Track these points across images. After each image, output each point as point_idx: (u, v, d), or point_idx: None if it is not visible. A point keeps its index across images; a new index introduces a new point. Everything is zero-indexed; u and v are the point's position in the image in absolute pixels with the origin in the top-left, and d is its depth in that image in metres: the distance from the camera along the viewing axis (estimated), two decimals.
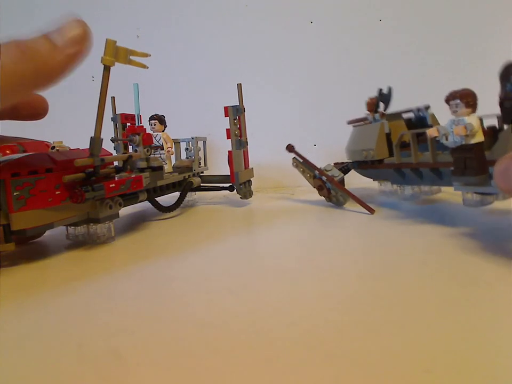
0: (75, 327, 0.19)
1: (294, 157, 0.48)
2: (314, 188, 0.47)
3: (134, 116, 0.46)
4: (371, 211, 0.40)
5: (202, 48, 0.69)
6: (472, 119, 0.28)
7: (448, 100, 0.29)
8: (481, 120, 0.33)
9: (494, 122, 0.32)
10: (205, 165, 0.57)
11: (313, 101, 0.68)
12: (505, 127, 0.29)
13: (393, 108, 0.44)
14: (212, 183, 0.54)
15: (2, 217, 0.27)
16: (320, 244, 0.32)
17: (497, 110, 0.29)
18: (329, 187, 0.45)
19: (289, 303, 0.20)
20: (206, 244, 0.33)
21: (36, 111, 0.34)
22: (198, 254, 0.31)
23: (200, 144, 0.55)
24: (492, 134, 0.31)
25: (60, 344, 0.17)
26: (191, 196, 0.55)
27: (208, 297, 0.22)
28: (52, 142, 0.38)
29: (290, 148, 0.48)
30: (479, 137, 0.28)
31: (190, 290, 0.23)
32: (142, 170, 0.42)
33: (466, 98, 0.28)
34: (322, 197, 0.46)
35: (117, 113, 0.47)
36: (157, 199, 0.44)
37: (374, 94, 0.45)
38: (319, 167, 0.46)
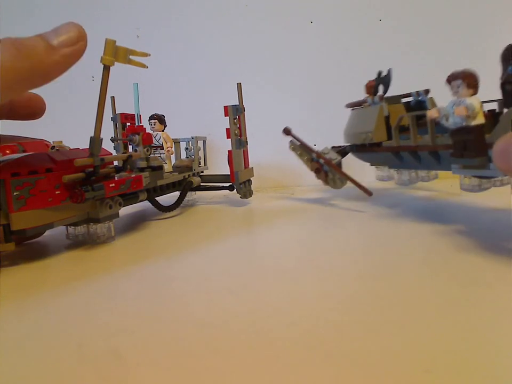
0: (75, 327, 0.19)
1: (291, 140, 0.48)
2: (312, 171, 0.47)
3: (134, 116, 0.46)
4: (369, 193, 0.39)
5: (202, 48, 0.69)
6: (473, 100, 0.28)
7: (449, 80, 0.29)
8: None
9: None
10: (205, 164, 0.57)
11: (313, 100, 0.68)
12: (505, 110, 0.28)
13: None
14: (212, 182, 0.54)
15: (2, 217, 0.27)
16: (320, 244, 0.32)
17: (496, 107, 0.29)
18: (327, 170, 0.45)
19: (289, 303, 0.20)
20: (206, 243, 0.33)
21: (33, 110, 0.34)
22: (198, 253, 0.31)
23: (200, 143, 0.55)
24: (492, 117, 0.30)
25: (60, 344, 0.17)
26: (191, 196, 0.55)
27: (208, 297, 0.22)
28: (51, 142, 0.38)
29: (287, 131, 0.47)
30: (480, 119, 0.28)
31: (190, 290, 0.23)
32: (142, 170, 0.42)
33: (468, 79, 0.28)
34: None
35: (116, 113, 0.47)
36: (157, 198, 0.44)
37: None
38: (316, 150, 0.46)
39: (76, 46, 0.26)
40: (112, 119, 0.47)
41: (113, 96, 0.48)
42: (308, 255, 0.29)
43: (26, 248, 0.35)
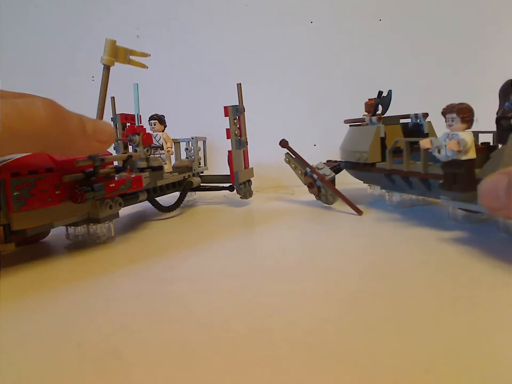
0: (75, 327, 0.19)
1: (287, 153, 0.48)
2: (305, 184, 0.47)
3: (134, 116, 0.46)
4: (359, 213, 0.39)
5: (202, 48, 0.69)
6: (466, 135, 0.28)
7: (444, 113, 0.29)
8: (476, 135, 0.33)
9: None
10: (205, 164, 0.57)
11: (313, 100, 0.68)
12: (499, 146, 0.29)
13: (393, 109, 0.44)
14: (212, 183, 0.54)
15: (2, 217, 0.27)
16: (320, 244, 0.32)
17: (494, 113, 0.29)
18: (319, 185, 0.45)
19: (289, 303, 0.20)
20: (206, 243, 0.33)
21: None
22: (198, 253, 0.31)
23: (200, 144, 0.55)
24: (485, 151, 0.30)
25: (60, 343, 0.17)
26: (191, 196, 0.55)
27: (209, 297, 0.22)
28: None
29: (283, 144, 0.48)
30: (471, 154, 0.28)
31: (190, 290, 0.23)
32: (142, 170, 0.42)
33: (463, 114, 0.28)
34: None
35: (116, 113, 0.47)
36: (157, 199, 0.44)
37: (374, 94, 0.45)
38: (310, 165, 0.46)
39: (102, 144, 0.28)
40: (112, 119, 0.47)
41: (113, 97, 0.48)
42: (308, 255, 0.29)
43: (26, 249, 0.35)
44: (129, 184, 0.36)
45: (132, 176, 0.37)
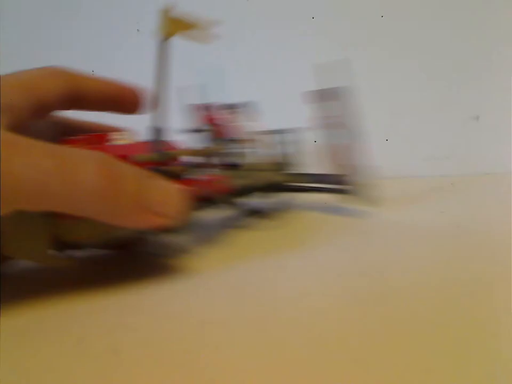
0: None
1: None
2: None
3: (213, 105, 0.39)
4: None
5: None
6: None
7: None
8: None
9: None
10: (302, 162, 0.42)
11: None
12: None
13: None
14: (313, 183, 0.41)
15: (49, 225, 0.22)
16: None
17: None
18: None
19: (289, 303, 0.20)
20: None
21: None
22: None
23: (295, 136, 0.41)
24: None
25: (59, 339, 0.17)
26: (283, 198, 0.42)
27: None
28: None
29: None
30: None
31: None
32: (222, 167, 0.34)
33: None
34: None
35: (187, 102, 0.37)
36: (242, 201, 0.35)
37: None
38: None
39: (164, 220, 0.21)
40: (183, 109, 0.37)
41: (187, 84, 0.41)
42: None
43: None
44: (208, 186, 0.29)
45: (212, 175, 0.30)
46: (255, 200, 0.38)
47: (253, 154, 0.40)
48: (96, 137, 0.27)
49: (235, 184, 0.33)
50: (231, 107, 0.40)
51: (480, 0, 0.57)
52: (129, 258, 0.29)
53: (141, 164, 0.24)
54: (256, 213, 0.36)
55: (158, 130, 0.25)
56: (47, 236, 0.22)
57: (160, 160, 0.25)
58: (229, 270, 0.25)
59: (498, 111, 0.55)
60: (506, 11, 0.55)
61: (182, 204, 0.22)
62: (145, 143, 0.26)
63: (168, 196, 0.21)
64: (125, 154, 0.24)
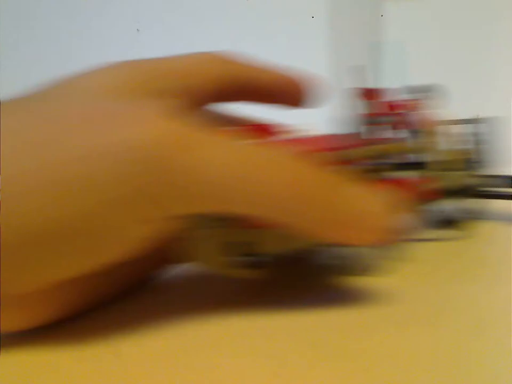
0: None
1: None
2: None
3: (388, 89, 0.30)
4: None
5: None
6: None
7: None
8: None
9: None
10: (500, 160, 0.33)
11: None
12: None
13: None
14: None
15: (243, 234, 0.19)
16: None
17: None
18: None
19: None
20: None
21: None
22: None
23: (492, 127, 0.32)
24: None
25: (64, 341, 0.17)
26: (475, 205, 0.32)
27: None
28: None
29: None
30: None
31: None
32: (404, 167, 0.27)
33: None
34: None
35: (356, 85, 0.30)
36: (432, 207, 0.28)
37: None
38: None
39: (361, 236, 0.17)
40: (348, 93, 0.30)
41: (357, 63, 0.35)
42: None
43: None
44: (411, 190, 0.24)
45: (421, 177, 0.26)
46: (445, 207, 0.31)
47: (441, 149, 0.31)
48: (259, 129, 0.22)
49: (441, 187, 0.28)
50: (415, 91, 0.31)
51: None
52: (305, 272, 0.24)
53: (348, 162, 0.20)
54: (449, 222, 0.31)
55: (353, 120, 0.21)
56: (224, 242, 0.19)
57: (374, 155, 0.22)
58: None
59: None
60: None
61: (389, 214, 0.17)
62: (328, 137, 0.22)
63: (374, 206, 0.17)
64: (321, 148, 0.19)
